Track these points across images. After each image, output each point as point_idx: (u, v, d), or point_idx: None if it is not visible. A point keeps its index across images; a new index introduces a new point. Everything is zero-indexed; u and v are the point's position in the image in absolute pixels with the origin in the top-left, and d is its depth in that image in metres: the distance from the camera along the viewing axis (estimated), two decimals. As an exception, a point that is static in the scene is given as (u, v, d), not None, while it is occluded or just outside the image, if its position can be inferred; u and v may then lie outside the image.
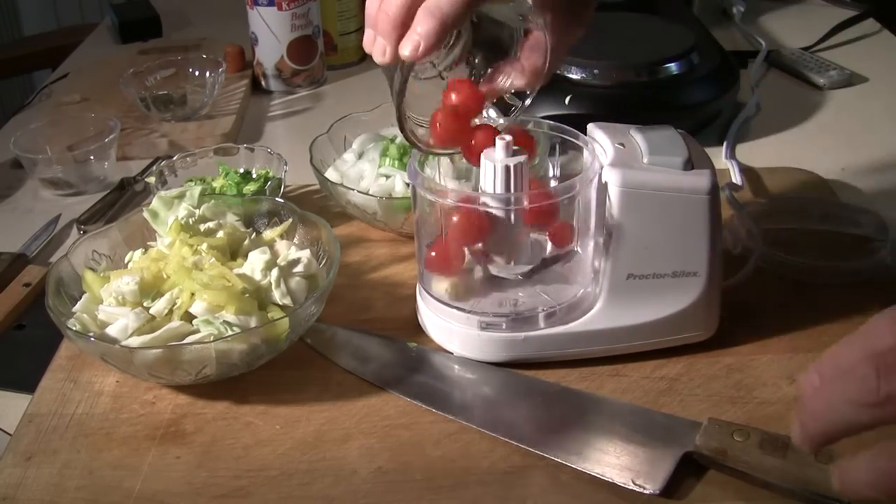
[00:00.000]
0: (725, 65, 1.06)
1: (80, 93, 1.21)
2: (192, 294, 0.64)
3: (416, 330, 0.69)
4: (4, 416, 0.65)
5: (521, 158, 0.62)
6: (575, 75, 1.01)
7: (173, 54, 1.25)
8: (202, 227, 0.72)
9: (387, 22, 0.60)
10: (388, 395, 0.63)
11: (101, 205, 0.93)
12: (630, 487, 0.54)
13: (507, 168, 0.62)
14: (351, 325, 0.71)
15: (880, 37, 1.32)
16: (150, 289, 0.65)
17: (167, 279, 0.66)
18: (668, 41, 1.05)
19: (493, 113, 0.66)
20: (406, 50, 0.59)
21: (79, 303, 0.67)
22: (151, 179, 0.87)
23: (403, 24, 0.59)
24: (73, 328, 0.62)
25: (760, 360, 0.65)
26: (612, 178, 0.61)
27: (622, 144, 0.63)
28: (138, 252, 0.72)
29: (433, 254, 0.66)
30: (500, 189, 0.62)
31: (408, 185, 0.81)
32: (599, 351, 0.65)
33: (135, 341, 0.61)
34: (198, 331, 0.62)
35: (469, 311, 0.65)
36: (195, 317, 0.63)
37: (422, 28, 0.58)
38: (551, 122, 0.68)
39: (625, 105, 0.98)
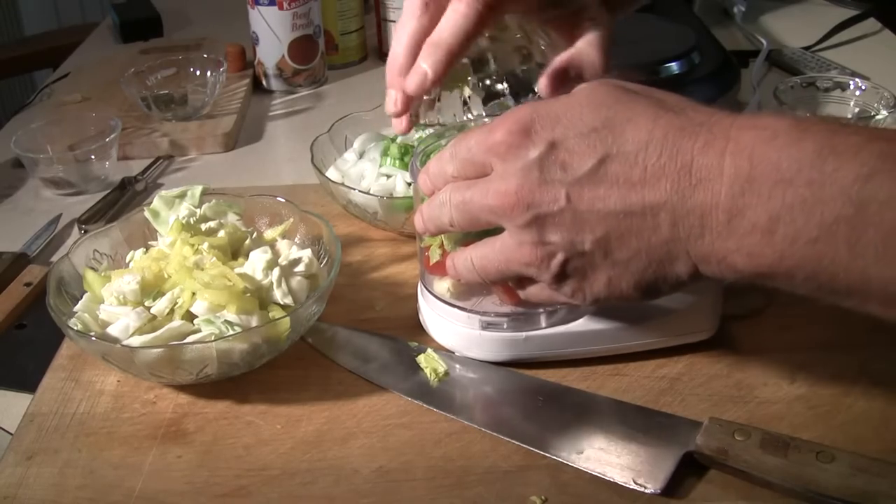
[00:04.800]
0: (726, 64, 1.06)
1: (81, 92, 1.21)
2: (194, 293, 0.64)
3: (418, 329, 0.69)
4: (5, 415, 0.65)
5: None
6: (576, 75, 1.01)
7: (174, 54, 1.25)
8: (203, 226, 0.72)
9: (394, 69, 0.59)
10: (389, 394, 0.63)
11: (102, 204, 0.93)
12: (631, 487, 0.54)
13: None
14: (352, 324, 0.71)
15: (881, 36, 1.32)
16: (152, 288, 0.65)
17: (168, 279, 0.66)
18: (668, 41, 1.05)
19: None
20: (412, 84, 0.58)
21: (80, 302, 0.67)
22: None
23: (409, 67, 0.59)
24: (75, 327, 0.62)
25: (761, 359, 0.65)
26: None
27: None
28: (139, 251, 0.72)
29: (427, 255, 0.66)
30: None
31: (409, 184, 0.81)
32: (601, 350, 0.65)
33: (136, 341, 0.61)
34: (199, 330, 0.62)
35: (470, 311, 0.65)
36: (196, 316, 0.63)
37: (426, 61, 0.58)
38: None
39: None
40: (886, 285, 0.43)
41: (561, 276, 0.52)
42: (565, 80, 0.59)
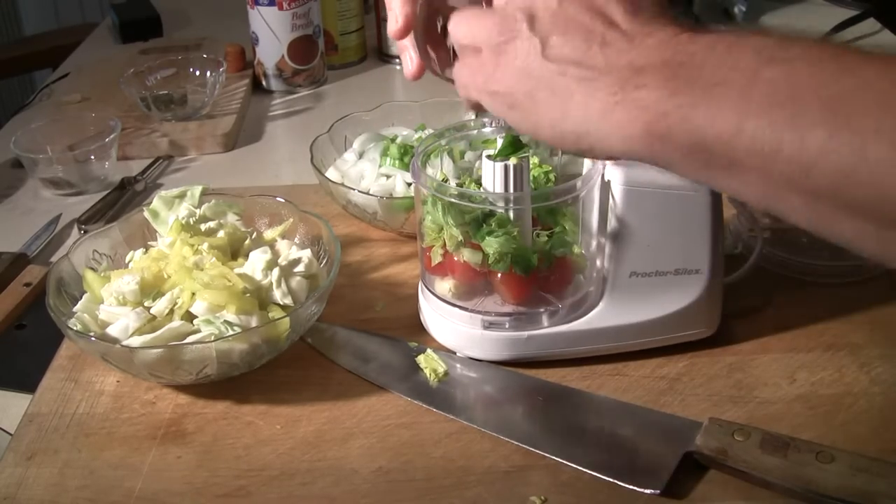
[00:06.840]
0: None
1: (81, 92, 1.21)
2: (193, 294, 0.64)
3: (418, 329, 0.69)
4: (5, 415, 0.65)
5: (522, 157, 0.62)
6: (576, 75, 1.01)
7: (174, 54, 1.25)
8: (203, 226, 0.72)
9: None
10: (388, 394, 0.63)
11: (101, 204, 0.93)
12: (631, 487, 0.54)
13: (507, 167, 0.62)
14: (352, 324, 0.71)
15: (880, 37, 1.32)
16: (151, 288, 0.65)
17: (168, 279, 0.66)
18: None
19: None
20: None
21: (79, 302, 0.67)
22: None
23: None
24: (74, 328, 0.62)
25: (761, 359, 0.65)
26: (616, 177, 0.61)
27: (623, 144, 0.63)
28: (139, 252, 0.72)
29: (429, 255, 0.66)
30: (500, 188, 0.62)
31: (409, 184, 0.81)
32: (602, 349, 0.65)
33: (135, 341, 0.61)
34: (198, 330, 0.62)
35: (472, 311, 0.65)
36: (196, 316, 0.63)
37: None
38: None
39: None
40: (754, 140, 0.41)
41: (499, 50, 0.49)
42: None
